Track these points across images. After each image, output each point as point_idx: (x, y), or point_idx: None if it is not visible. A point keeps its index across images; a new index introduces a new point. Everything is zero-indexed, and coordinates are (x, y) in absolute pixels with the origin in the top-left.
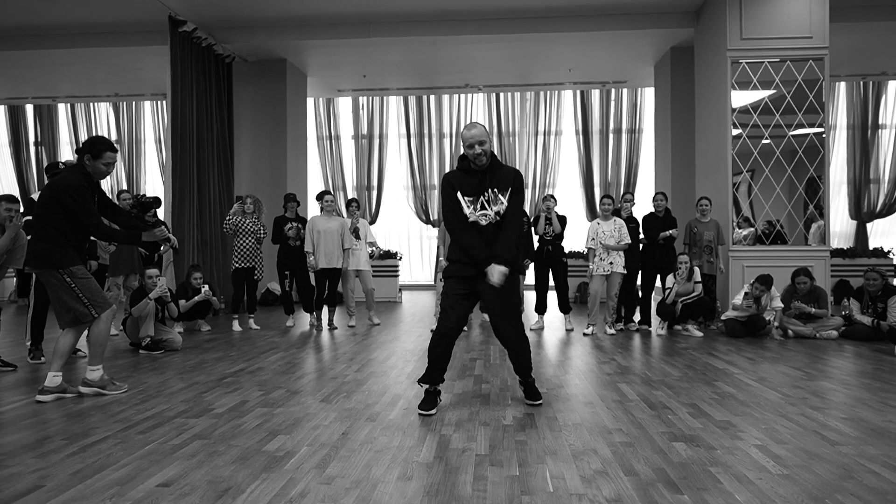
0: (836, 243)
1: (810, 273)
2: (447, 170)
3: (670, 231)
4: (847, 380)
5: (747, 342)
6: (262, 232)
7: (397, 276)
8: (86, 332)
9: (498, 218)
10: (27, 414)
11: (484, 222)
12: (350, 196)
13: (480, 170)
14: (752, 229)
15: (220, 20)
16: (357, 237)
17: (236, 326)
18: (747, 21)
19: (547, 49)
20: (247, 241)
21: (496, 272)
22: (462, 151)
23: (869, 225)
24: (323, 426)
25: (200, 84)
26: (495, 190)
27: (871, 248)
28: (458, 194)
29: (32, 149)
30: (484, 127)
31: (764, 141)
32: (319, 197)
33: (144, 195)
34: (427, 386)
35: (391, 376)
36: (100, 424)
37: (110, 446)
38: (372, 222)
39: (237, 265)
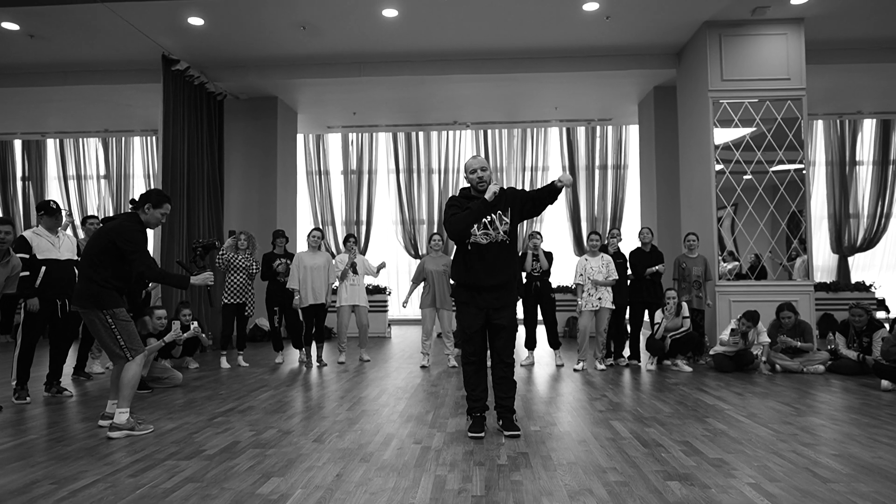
0: (818, 277)
1: (794, 308)
2: (435, 205)
3: (657, 266)
4: (836, 415)
5: (736, 377)
6: (254, 268)
7: (386, 310)
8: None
9: (504, 237)
10: (14, 457)
11: (485, 241)
12: (345, 231)
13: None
14: (737, 263)
15: (212, 59)
16: (355, 272)
17: (224, 363)
18: (727, 63)
19: (534, 88)
20: (238, 278)
21: (566, 178)
22: (461, 186)
23: (850, 259)
24: (317, 467)
25: (192, 121)
26: (499, 212)
27: (853, 281)
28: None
29: (19, 184)
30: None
31: (746, 177)
32: (308, 235)
33: (201, 239)
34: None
35: (383, 415)
36: (89, 468)
37: (100, 490)
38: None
39: (227, 301)
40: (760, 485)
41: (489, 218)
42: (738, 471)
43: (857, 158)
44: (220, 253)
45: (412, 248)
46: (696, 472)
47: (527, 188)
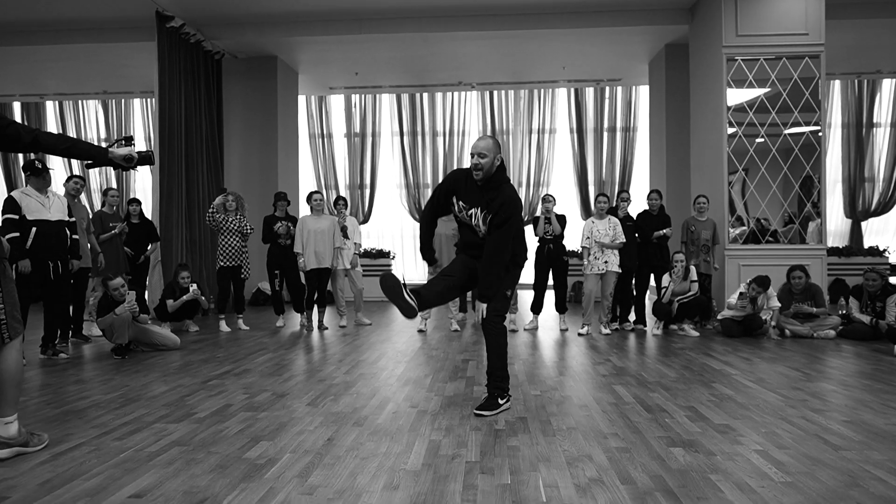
0: (831, 242)
1: (806, 270)
2: (440, 168)
3: (665, 230)
4: (847, 381)
5: (744, 342)
6: (247, 228)
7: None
8: None
9: (482, 231)
10: None
11: (466, 222)
12: (349, 195)
13: (479, 185)
14: (745, 228)
15: (209, 16)
16: (345, 236)
17: (224, 327)
18: (742, 17)
19: (540, 46)
20: (232, 239)
21: (481, 310)
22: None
23: (864, 223)
24: (308, 431)
25: (189, 81)
26: (486, 213)
27: (866, 246)
28: (455, 198)
29: None
30: (494, 142)
31: (759, 139)
32: (309, 197)
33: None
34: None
35: (381, 378)
36: (75, 430)
37: (84, 454)
38: (364, 221)
39: (223, 263)
40: (768, 452)
41: (477, 212)
42: (744, 437)
43: (875, 120)
44: (211, 210)
45: (417, 212)
46: (701, 439)
47: (534, 151)
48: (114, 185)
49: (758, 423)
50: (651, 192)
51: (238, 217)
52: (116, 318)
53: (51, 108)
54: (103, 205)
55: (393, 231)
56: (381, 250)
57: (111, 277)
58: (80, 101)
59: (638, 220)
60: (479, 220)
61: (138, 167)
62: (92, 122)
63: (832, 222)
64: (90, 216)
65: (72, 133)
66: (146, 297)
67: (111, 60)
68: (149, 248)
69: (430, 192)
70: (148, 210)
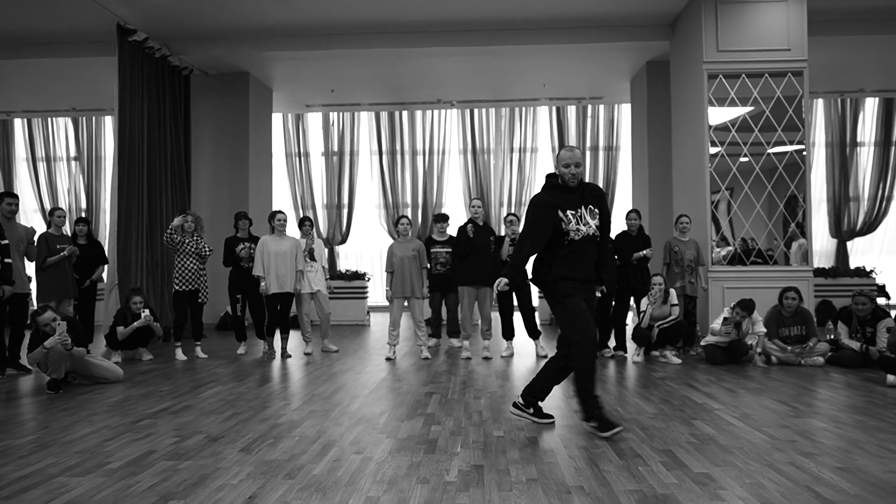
0: (816, 262)
1: (800, 292)
2: (420, 188)
3: (645, 251)
4: (838, 416)
5: (728, 370)
6: (205, 250)
7: (365, 297)
8: None
9: (595, 230)
10: None
11: (578, 237)
12: (326, 216)
13: (573, 188)
14: (731, 248)
15: (174, 30)
16: (312, 258)
17: (180, 355)
18: (723, 33)
19: (519, 63)
20: (189, 262)
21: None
22: (547, 172)
23: (849, 243)
24: (229, 486)
25: (153, 96)
26: (591, 206)
27: (852, 266)
28: (559, 211)
29: None
30: (581, 152)
31: (743, 158)
32: (271, 217)
33: None
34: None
35: (331, 416)
36: None
37: None
38: (342, 241)
39: (179, 287)
40: None
41: (581, 210)
42: (726, 491)
43: (859, 139)
44: (168, 231)
45: (396, 232)
46: (677, 493)
47: (515, 171)
48: (83, 205)
49: (741, 472)
50: (630, 211)
51: (195, 238)
52: (49, 352)
53: (19, 125)
54: (49, 226)
55: (371, 252)
56: (357, 272)
57: (40, 312)
58: (49, 119)
59: (616, 241)
60: (587, 216)
61: None
62: (62, 141)
63: (818, 242)
64: (30, 238)
65: (40, 151)
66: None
67: (79, 76)
68: (96, 271)
69: (409, 213)
70: (104, 231)
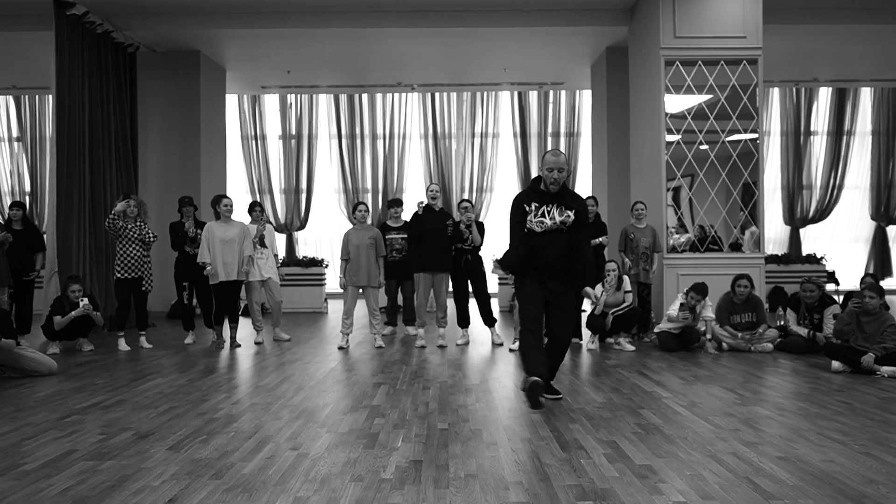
0: (770, 249)
1: (752, 279)
2: (380, 172)
3: (600, 238)
4: (783, 403)
5: (680, 357)
6: (149, 236)
7: (323, 284)
8: None
9: (559, 225)
10: None
11: (539, 229)
12: (284, 201)
13: (554, 193)
14: (689, 235)
15: (117, 5)
16: (263, 245)
17: (123, 345)
18: (681, 19)
19: (480, 47)
20: (131, 249)
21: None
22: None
23: (802, 230)
24: (149, 489)
25: (94, 74)
26: (562, 207)
27: (804, 253)
28: (526, 206)
29: None
30: (566, 157)
31: (703, 147)
32: (216, 201)
33: None
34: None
35: (272, 410)
36: None
37: None
38: (301, 227)
39: (120, 275)
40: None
41: (549, 207)
42: (665, 484)
43: (812, 128)
44: (111, 216)
45: (354, 219)
46: (617, 487)
47: (476, 155)
48: (27, 188)
49: (683, 463)
50: (587, 198)
51: (139, 224)
52: None
53: None
54: None
55: (332, 237)
56: (314, 259)
57: None
58: None
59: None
60: (550, 213)
61: None
62: (2, 120)
63: (771, 229)
64: None
65: None
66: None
67: (19, 52)
68: (37, 261)
69: (369, 198)
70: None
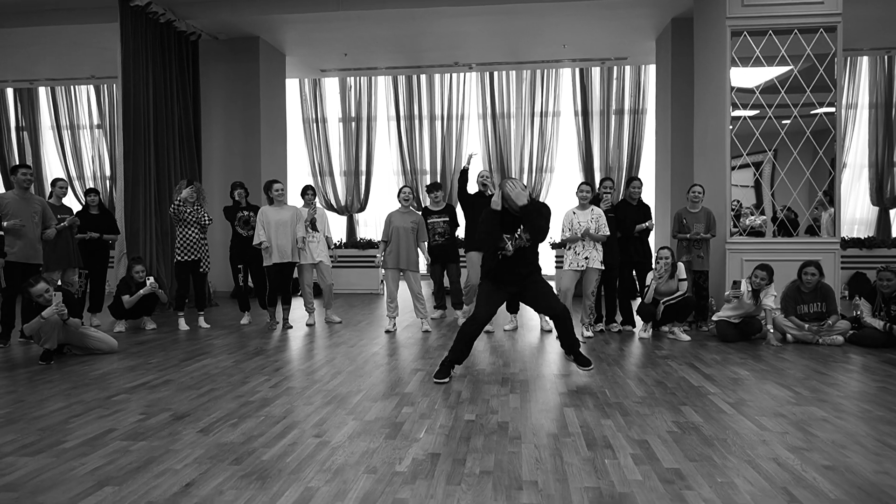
0: (856, 232)
1: (821, 267)
2: (438, 154)
3: (646, 223)
4: (843, 404)
5: (739, 349)
6: (206, 219)
7: (380, 266)
8: None
9: (526, 243)
10: None
11: (510, 253)
12: (344, 183)
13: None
14: (765, 217)
15: None
16: (315, 229)
17: (183, 325)
18: None
19: (535, 23)
20: (190, 232)
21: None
22: None
23: (892, 211)
24: (171, 472)
25: (158, 63)
26: (526, 235)
27: (894, 236)
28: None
29: (13, 134)
30: (525, 189)
31: (785, 121)
32: (267, 187)
33: None
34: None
35: (306, 395)
36: None
37: None
38: (361, 209)
39: (180, 258)
40: None
41: (517, 234)
42: (691, 491)
43: None
44: (177, 202)
45: (414, 199)
46: (637, 492)
47: (536, 134)
48: (86, 173)
49: (716, 468)
50: (633, 179)
51: (196, 208)
52: (44, 323)
53: (43, 93)
54: (50, 196)
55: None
56: (371, 241)
57: (32, 284)
58: (72, 87)
59: (617, 212)
60: (517, 239)
61: None
62: (84, 108)
63: (858, 211)
64: (45, 209)
65: (65, 119)
66: (107, 292)
67: (95, 43)
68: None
69: (428, 179)
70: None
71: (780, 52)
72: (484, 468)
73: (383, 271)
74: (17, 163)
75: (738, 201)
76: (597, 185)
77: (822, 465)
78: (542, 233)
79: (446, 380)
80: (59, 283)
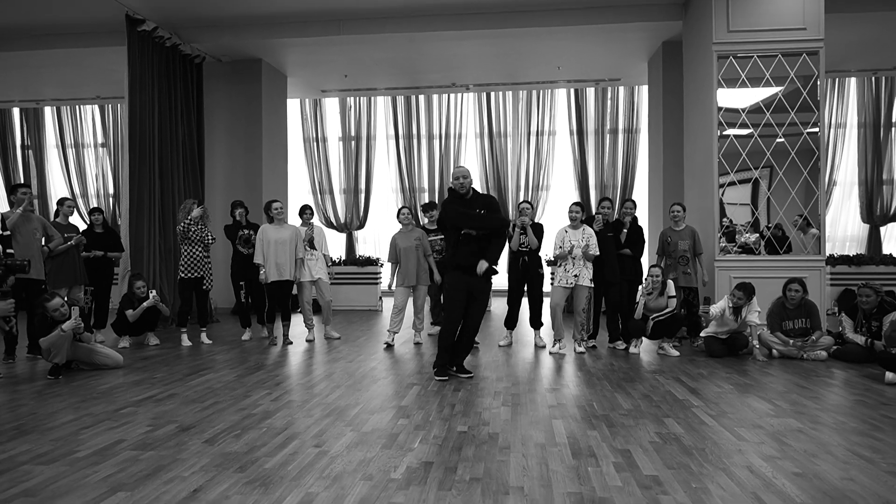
0: (847, 249)
1: (804, 283)
2: (436, 172)
3: (626, 249)
4: (819, 416)
5: (725, 364)
6: (209, 238)
7: (378, 283)
8: None
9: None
10: None
11: (475, 233)
12: (344, 200)
13: (466, 196)
14: (758, 234)
15: (183, 18)
16: (312, 247)
17: (185, 341)
18: (735, 12)
19: (531, 46)
20: (195, 250)
21: (482, 265)
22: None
23: (882, 228)
24: (178, 479)
25: (163, 85)
26: (481, 211)
27: (885, 253)
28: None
29: (19, 152)
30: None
31: (779, 140)
32: (267, 206)
33: (7, 259)
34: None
35: (306, 408)
36: None
37: None
38: (360, 227)
39: (184, 275)
40: None
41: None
42: (667, 496)
43: (894, 120)
44: (186, 222)
45: (413, 218)
46: (616, 496)
47: (532, 153)
48: (90, 190)
49: (693, 475)
50: (626, 200)
51: (200, 227)
52: (61, 336)
53: (49, 113)
54: (57, 215)
55: (390, 236)
56: (369, 258)
57: (48, 299)
58: (77, 106)
59: (615, 231)
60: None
61: None
62: (89, 127)
63: (849, 228)
64: (45, 227)
65: (69, 138)
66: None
67: (100, 65)
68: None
69: (426, 197)
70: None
71: (766, 75)
72: (474, 475)
73: (386, 287)
74: (21, 182)
75: (731, 219)
76: (594, 206)
77: (792, 473)
78: (498, 214)
79: (446, 378)
80: (66, 300)
